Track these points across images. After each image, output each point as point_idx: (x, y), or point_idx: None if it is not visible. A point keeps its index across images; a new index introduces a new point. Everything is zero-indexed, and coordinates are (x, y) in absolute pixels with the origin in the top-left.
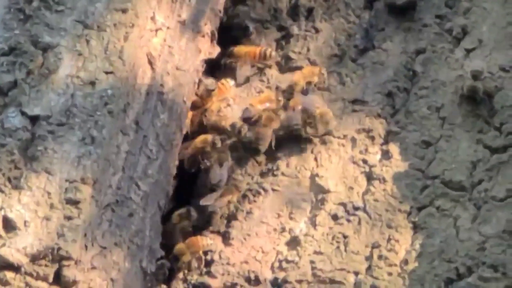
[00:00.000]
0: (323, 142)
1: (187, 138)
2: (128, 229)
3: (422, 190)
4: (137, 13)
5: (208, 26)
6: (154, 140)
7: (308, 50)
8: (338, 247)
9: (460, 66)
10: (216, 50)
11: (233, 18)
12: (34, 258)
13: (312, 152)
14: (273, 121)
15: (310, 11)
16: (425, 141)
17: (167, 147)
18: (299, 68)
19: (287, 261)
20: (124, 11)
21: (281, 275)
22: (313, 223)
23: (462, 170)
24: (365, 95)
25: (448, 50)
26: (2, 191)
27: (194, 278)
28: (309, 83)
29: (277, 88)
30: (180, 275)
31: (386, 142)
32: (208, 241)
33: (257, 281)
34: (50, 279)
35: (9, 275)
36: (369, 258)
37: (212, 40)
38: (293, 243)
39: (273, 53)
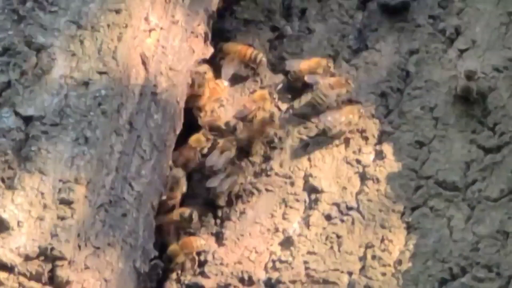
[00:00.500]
0: (317, 142)
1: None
2: (121, 229)
3: (415, 190)
4: (130, 14)
5: (202, 27)
6: (147, 141)
7: (302, 50)
8: (331, 247)
9: (454, 67)
10: (209, 51)
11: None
12: (28, 258)
13: (305, 152)
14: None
15: (303, 11)
16: (419, 141)
17: (160, 148)
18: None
19: (281, 261)
20: (117, 11)
21: (274, 275)
22: (306, 223)
23: (455, 170)
24: (359, 96)
25: (441, 51)
26: None
27: (187, 278)
28: (313, 73)
29: (270, 87)
30: (174, 275)
31: (379, 142)
32: (201, 241)
33: (250, 281)
34: (44, 279)
35: (2, 275)
36: (362, 258)
37: (205, 41)
38: (287, 243)
39: (264, 60)
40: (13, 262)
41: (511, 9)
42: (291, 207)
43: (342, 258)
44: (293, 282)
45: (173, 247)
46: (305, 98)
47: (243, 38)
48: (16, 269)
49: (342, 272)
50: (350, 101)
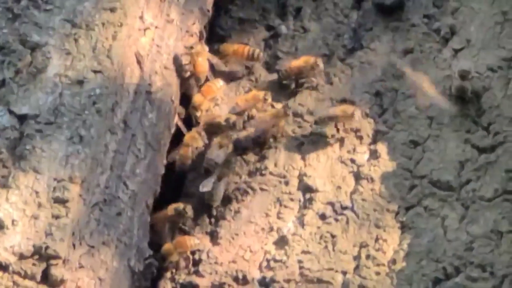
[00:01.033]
0: (311, 142)
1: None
2: (116, 228)
3: (410, 189)
4: (125, 12)
5: (197, 26)
6: (142, 139)
7: (296, 49)
8: (326, 247)
9: (448, 66)
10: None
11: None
12: (22, 257)
13: (300, 151)
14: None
15: (298, 10)
16: (413, 140)
17: (155, 146)
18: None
19: (275, 261)
20: (112, 10)
21: (269, 274)
22: (301, 222)
23: (450, 170)
24: (353, 95)
25: (436, 50)
26: None
27: (182, 277)
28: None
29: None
30: (168, 274)
31: (374, 141)
32: (195, 241)
33: (245, 280)
34: (38, 278)
35: None
36: (357, 258)
37: (200, 40)
38: (281, 242)
39: (261, 54)
40: (7, 260)
41: (505, 9)
42: (285, 207)
43: (336, 258)
44: (288, 281)
45: (167, 246)
46: (299, 97)
47: (238, 37)
48: (10, 268)
49: (336, 271)
50: (344, 101)
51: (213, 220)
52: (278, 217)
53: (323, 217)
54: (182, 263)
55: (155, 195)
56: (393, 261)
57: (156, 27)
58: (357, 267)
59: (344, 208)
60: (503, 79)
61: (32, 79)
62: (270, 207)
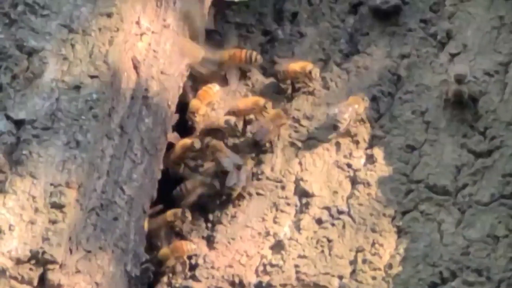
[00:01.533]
0: (308, 146)
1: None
2: (112, 233)
3: (406, 194)
4: (122, 18)
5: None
6: (138, 144)
7: (293, 54)
8: (322, 251)
9: (445, 71)
10: (201, 55)
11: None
12: (19, 262)
13: (296, 156)
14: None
15: (294, 15)
16: (410, 145)
17: (151, 151)
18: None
19: (272, 265)
20: (109, 15)
21: (265, 279)
22: (297, 227)
23: (446, 175)
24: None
25: (432, 55)
26: None
27: (178, 282)
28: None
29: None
30: (165, 279)
31: (370, 146)
32: (192, 245)
33: (241, 285)
34: (35, 283)
35: None
36: (353, 262)
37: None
38: (278, 247)
39: (258, 57)
40: (4, 265)
41: (502, 13)
42: (282, 211)
43: (332, 262)
44: (284, 285)
45: (164, 251)
46: (296, 102)
47: (234, 42)
48: (7, 273)
49: (332, 276)
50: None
51: (209, 224)
52: (275, 222)
53: (319, 221)
54: (179, 268)
55: (151, 200)
56: (390, 266)
57: (152, 32)
58: (353, 272)
59: (340, 212)
60: (499, 83)
61: (29, 84)
62: (266, 212)
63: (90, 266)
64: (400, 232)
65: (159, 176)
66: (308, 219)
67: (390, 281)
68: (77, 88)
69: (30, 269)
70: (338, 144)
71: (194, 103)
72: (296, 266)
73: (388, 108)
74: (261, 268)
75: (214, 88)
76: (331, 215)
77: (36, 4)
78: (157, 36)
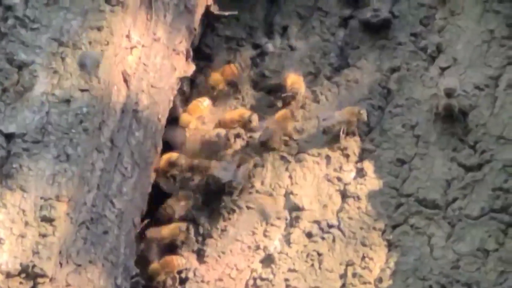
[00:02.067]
0: (298, 160)
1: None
2: (103, 247)
3: (396, 208)
4: (112, 31)
5: (183, 44)
6: (129, 158)
7: (283, 68)
8: (312, 265)
9: (435, 84)
10: (191, 68)
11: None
12: (9, 276)
13: (286, 169)
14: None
15: (285, 29)
16: (400, 159)
17: (142, 165)
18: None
19: (262, 279)
20: (99, 29)
21: None
22: (287, 240)
23: (436, 188)
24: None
25: (422, 68)
26: None
27: None
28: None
29: (252, 105)
30: None
31: (360, 160)
32: (182, 260)
33: None
34: None
35: None
36: (343, 276)
37: (187, 58)
38: (268, 260)
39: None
40: None
41: (492, 27)
42: (272, 225)
43: (323, 276)
44: None
45: (154, 266)
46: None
47: (224, 55)
48: None
49: None
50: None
51: (199, 238)
52: (265, 236)
53: (309, 235)
54: (169, 282)
55: (142, 213)
56: (380, 280)
57: (143, 46)
58: (343, 286)
59: (330, 226)
60: (489, 97)
61: (19, 98)
62: (256, 225)
63: (80, 280)
64: (390, 245)
65: (149, 189)
66: (298, 233)
67: None
68: (67, 101)
69: (20, 282)
70: (328, 158)
71: (184, 117)
72: (286, 280)
73: (378, 122)
74: (251, 282)
75: (204, 102)
76: (321, 229)
77: (26, 18)
78: (147, 49)
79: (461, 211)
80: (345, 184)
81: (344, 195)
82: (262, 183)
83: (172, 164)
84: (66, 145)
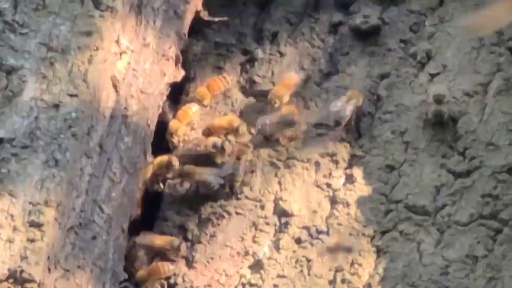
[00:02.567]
0: (287, 166)
1: None
2: (91, 252)
3: (385, 214)
4: (101, 36)
5: (173, 50)
6: (117, 163)
7: (273, 74)
8: (301, 271)
9: (424, 91)
10: (180, 74)
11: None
12: None
13: (276, 175)
14: (245, 153)
15: (274, 35)
16: (389, 165)
17: (131, 170)
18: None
19: (251, 285)
20: (88, 34)
21: None
22: (276, 246)
23: (425, 195)
24: (329, 119)
25: (412, 75)
26: None
27: None
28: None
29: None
30: None
31: (350, 166)
32: (170, 267)
33: None
34: None
35: None
36: (332, 282)
37: (176, 64)
38: (257, 266)
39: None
40: None
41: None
42: (261, 231)
43: (312, 282)
44: None
45: (141, 272)
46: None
47: (214, 61)
48: None
49: None
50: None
51: (188, 243)
52: (254, 241)
53: (298, 241)
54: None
55: (130, 219)
56: (369, 285)
57: (132, 51)
58: None
59: (319, 232)
60: (479, 104)
61: (8, 103)
62: (245, 231)
63: (68, 285)
64: (379, 252)
65: (138, 195)
66: (287, 239)
67: None
68: (56, 106)
69: (9, 287)
70: (317, 164)
71: (173, 123)
72: (275, 285)
73: (367, 128)
74: (240, 287)
75: (193, 108)
76: (310, 235)
77: (16, 23)
78: (137, 55)
79: (450, 217)
80: (334, 190)
81: (333, 201)
82: (251, 188)
83: (167, 165)
84: (54, 150)
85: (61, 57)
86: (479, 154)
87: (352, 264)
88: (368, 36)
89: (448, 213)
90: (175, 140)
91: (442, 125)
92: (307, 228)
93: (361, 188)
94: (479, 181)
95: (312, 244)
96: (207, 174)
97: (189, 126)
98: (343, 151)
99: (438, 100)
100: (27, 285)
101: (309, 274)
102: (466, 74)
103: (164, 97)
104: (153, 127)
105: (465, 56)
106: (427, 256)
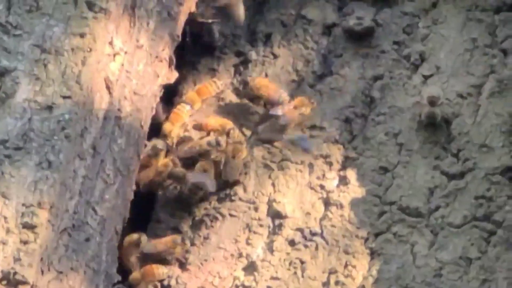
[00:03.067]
0: (281, 168)
1: None
2: (84, 254)
3: (379, 216)
4: (95, 38)
5: (166, 51)
6: (111, 165)
7: (266, 75)
8: (295, 273)
9: (418, 93)
10: (174, 75)
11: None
12: None
13: (269, 177)
14: (240, 151)
15: (268, 36)
16: (383, 167)
17: (124, 172)
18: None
19: (244, 287)
20: (82, 35)
21: None
22: (270, 248)
23: (419, 196)
24: (323, 121)
25: (405, 77)
26: None
27: None
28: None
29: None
30: None
31: (343, 168)
32: (163, 270)
33: None
34: None
35: None
36: (326, 284)
37: (170, 65)
38: (250, 268)
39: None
40: None
41: (475, 36)
42: (254, 232)
43: (305, 284)
44: None
45: (135, 275)
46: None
47: (207, 63)
48: None
49: None
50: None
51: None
52: (247, 243)
53: (292, 243)
54: None
55: (124, 221)
56: (362, 287)
57: (125, 53)
58: None
59: (313, 234)
60: (472, 105)
61: (1, 104)
62: (239, 233)
63: (61, 287)
64: (372, 253)
65: (131, 196)
66: (281, 241)
67: None
68: (50, 108)
69: None
70: (311, 166)
71: (166, 126)
72: (269, 287)
73: (361, 130)
74: None
75: (185, 108)
76: (304, 237)
77: (9, 24)
78: (130, 56)
79: (443, 219)
80: (328, 192)
81: (327, 203)
82: (245, 190)
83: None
84: (48, 152)
85: (54, 58)
86: (472, 155)
87: (346, 266)
88: (361, 38)
89: (441, 215)
90: (169, 142)
91: (435, 126)
92: (300, 230)
93: (355, 190)
94: (473, 183)
95: (306, 246)
96: (194, 177)
97: (182, 128)
98: (336, 153)
99: (432, 101)
100: (20, 287)
101: (302, 276)
102: (459, 76)
103: (158, 99)
104: (146, 128)
105: (458, 57)
106: (420, 258)
